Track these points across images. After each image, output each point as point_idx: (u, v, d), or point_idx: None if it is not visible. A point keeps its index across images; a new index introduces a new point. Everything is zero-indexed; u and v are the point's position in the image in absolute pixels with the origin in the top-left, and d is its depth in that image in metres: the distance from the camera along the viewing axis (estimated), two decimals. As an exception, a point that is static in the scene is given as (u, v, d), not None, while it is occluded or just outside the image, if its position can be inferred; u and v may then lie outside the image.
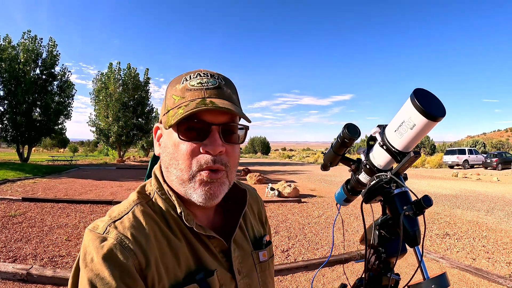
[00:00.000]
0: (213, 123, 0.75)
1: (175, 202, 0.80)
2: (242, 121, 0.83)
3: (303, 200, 10.70)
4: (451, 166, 32.01)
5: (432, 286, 0.84)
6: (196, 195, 0.76)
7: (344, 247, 5.77)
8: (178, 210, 0.79)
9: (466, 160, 31.23)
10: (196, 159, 0.75)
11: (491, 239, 6.57)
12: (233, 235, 0.88)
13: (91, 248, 0.68)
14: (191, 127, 0.74)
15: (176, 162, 0.76)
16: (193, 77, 0.79)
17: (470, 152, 32.52)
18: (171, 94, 0.80)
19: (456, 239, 6.58)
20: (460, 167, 31.41)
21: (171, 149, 0.77)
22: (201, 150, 0.75)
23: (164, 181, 0.83)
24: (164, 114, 0.80)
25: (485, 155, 32.38)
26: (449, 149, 34.79)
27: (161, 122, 0.84)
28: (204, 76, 0.80)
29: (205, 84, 0.78)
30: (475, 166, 32.44)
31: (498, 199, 11.95)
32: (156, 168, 0.87)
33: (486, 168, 30.53)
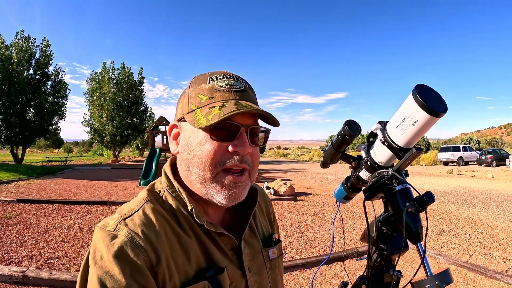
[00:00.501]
0: (242, 125, 0.76)
1: (186, 199, 0.80)
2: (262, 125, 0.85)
3: (299, 198, 10.69)
4: (446, 163, 32.18)
5: (436, 283, 0.84)
6: (219, 197, 0.77)
7: (344, 244, 5.77)
8: (189, 207, 0.79)
9: (460, 157, 31.43)
10: (223, 159, 0.76)
11: (487, 235, 6.60)
12: (243, 232, 0.88)
13: (101, 245, 0.68)
14: (222, 128, 0.75)
15: (199, 160, 0.76)
16: (220, 78, 0.80)
17: (465, 149, 32.74)
18: (197, 93, 0.80)
19: (452, 235, 6.61)
20: (455, 164, 31.61)
21: (195, 148, 0.77)
22: (230, 150, 0.76)
23: (175, 179, 0.84)
24: (188, 112, 0.80)
25: (479, 152, 32.59)
26: (443, 146, 35.00)
27: (179, 120, 0.83)
28: (230, 78, 0.81)
29: (234, 86, 0.79)
30: (469, 163, 32.66)
31: (493, 195, 12.02)
32: (166, 166, 0.88)
33: (480, 165, 30.72)
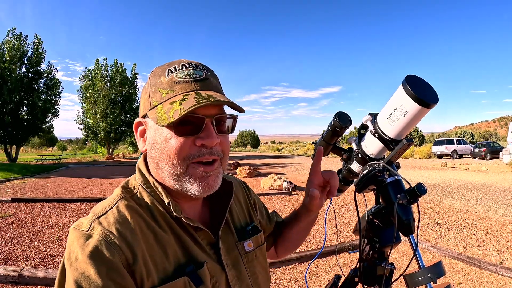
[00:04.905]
0: (206, 116, 0.74)
1: (162, 194, 0.78)
2: (229, 110, 0.82)
3: (293, 192, 10.73)
4: (440, 156, 32.30)
5: (428, 275, 0.84)
6: (193, 189, 0.75)
7: (337, 238, 5.78)
8: (166, 201, 0.77)
9: (454, 150, 31.57)
10: (191, 153, 0.74)
11: (481, 228, 6.64)
12: (220, 227, 0.87)
13: (75, 246, 0.66)
14: (186, 121, 0.72)
15: (167, 157, 0.74)
16: (179, 69, 0.77)
17: (459, 142, 32.89)
18: (157, 87, 0.77)
19: (447, 228, 6.65)
20: (449, 157, 31.73)
21: (162, 145, 0.75)
22: (197, 143, 0.74)
23: (149, 174, 0.82)
24: (150, 109, 0.77)
25: (473, 145, 32.75)
26: (437, 139, 35.15)
27: (143, 117, 0.81)
28: (190, 67, 0.78)
29: (193, 76, 0.76)
30: (463, 156, 32.81)
31: (487, 188, 12.09)
32: (139, 162, 0.86)
33: (474, 158, 30.85)
